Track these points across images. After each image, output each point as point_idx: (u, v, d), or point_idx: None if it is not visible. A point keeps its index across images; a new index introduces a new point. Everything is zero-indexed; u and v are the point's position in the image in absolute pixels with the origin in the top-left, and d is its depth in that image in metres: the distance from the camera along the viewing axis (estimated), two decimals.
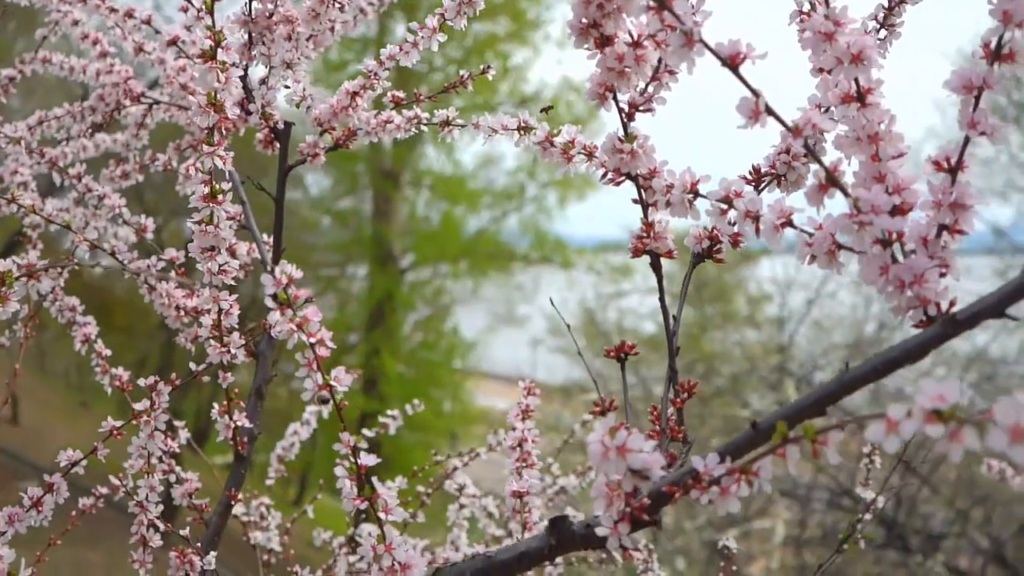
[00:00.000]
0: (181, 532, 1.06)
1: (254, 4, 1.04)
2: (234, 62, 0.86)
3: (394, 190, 11.01)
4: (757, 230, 0.69)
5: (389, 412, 1.55)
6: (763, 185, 0.80)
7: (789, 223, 0.67)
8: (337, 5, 1.05)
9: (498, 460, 1.36)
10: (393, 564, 0.74)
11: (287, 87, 1.07)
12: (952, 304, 0.60)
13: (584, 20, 0.69)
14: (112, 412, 1.18)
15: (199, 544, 1.06)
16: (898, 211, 0.63)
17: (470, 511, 1.50)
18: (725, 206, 0.71)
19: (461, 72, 1.21)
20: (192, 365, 1.06)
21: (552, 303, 0.93)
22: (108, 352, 1.22)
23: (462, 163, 11.38)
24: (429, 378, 10.73)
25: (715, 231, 0.77)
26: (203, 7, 0.88)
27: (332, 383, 0.73)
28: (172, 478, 1.12)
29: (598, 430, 0.61)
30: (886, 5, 0.83)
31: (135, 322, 10.14)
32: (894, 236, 0.61)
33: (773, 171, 0.80)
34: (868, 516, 1.21)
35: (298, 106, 1.08)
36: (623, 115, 0.73)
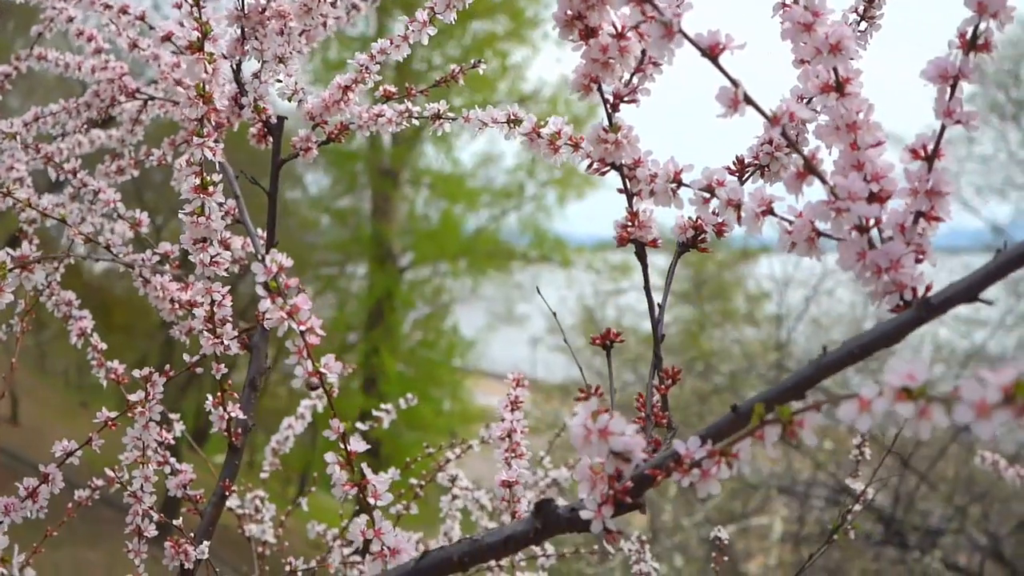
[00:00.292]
0: (175, 522, 1.07)
1: None
2: (222, 53, 0.87)
3: (393, 189, 11.02)
4: (738, 218, 0.70)
5: (383, 406, 1.56)
6: (747, 176, 0.82)
7: (770, 211, 0.68)
8: (328, 0, 1.06)
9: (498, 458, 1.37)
10: (382, 549, 0.76)
11: (279, 81, 1.08)
12: (928, 289, 0.62)
13: (569, 12, 0.70)
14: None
15: (193, 534, 1.07)
16: (876, 198, 0.64)
17: (463, 503, 1.51)
18: (708, 195, 0.72)
19: (452, 66, 1.22)
20: (186, 356, 1.07)
21: (538, 291, 0.94)
22: (104, 346, 1.23)
23: (461, 162, 11.40)
24: (429, 377, 10.74)
25: (699, 221, 0.78)
26: (194, 0, 0.89)
27: (322, 370, 0.74)
28: (167, 470, 1.13)
29: (581, 413, 0.62)
30: None
31: (134, 321, 10.15)
32: (871, 222, 0.62)
33: (756, 162, 0.81)
34: (858, 507, 1.22)
35: (290, 99, 1.09)
36: (608, 106, 0.75)
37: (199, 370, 1.08)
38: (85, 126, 1.39)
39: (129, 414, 1.08)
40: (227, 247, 1.00)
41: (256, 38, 1.06)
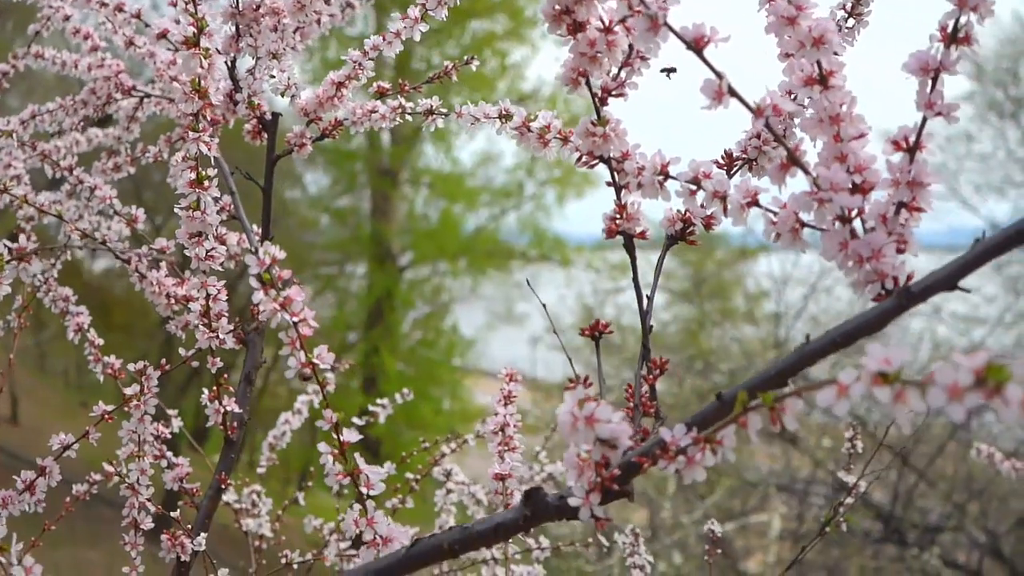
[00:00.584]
0: (172, 514, 1.08)
1: None
2: (218, 49, 0.88)
3: (392, 188, 11.04)
4: (725, 209, 0.71)
5: (379, 401, 1.57)
6: (735, 169, 0.82)
7: (755, 203, 0.69)
8: None
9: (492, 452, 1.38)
10: (375, 538, 0.77)
11: (273, 77, 1.09)
12: (909, 278, 0.63)
13: (557, 7, 0.71)
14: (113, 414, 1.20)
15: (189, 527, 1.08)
16: (859, 189, 0.65)
17: (458, 497, 1.52)
18: (694, 187, 0.73)
19: (447, 67, 1.23)
20: (182, 351, 1.08)
21: (528, 282, 0.95)
22: (101, 341, 1.24)
23: (460, 161, 11.42)
24: (428, 376, 10.75)
25: (687, 213, 0.79)
26: None
27: (315, 361, 0.75)
28: (163, 464, 1.14)
29: (568, 401, 0.63)
30: None
31: (134, 321, 10.17)
32: (853, 213, 0.63)
33: (745, 155, 0.82)
34: (851, 500, 1.23)
35: (283, 95, 1.10)
36: (596, 99, 0.75)
37: (195, 364, 1.09)
38: (82, 124, 1.40)
39: (125, 408, 1.09)
40: (223, 242, 1.01)
41: (251, 35, 1.07)
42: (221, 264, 1.01)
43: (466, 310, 11.81)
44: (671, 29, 0.63)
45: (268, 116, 1.14)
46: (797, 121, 0.74)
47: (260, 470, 1.62)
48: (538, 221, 11.28)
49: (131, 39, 1.28)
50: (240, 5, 1.07)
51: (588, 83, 0.75)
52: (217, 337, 1.03)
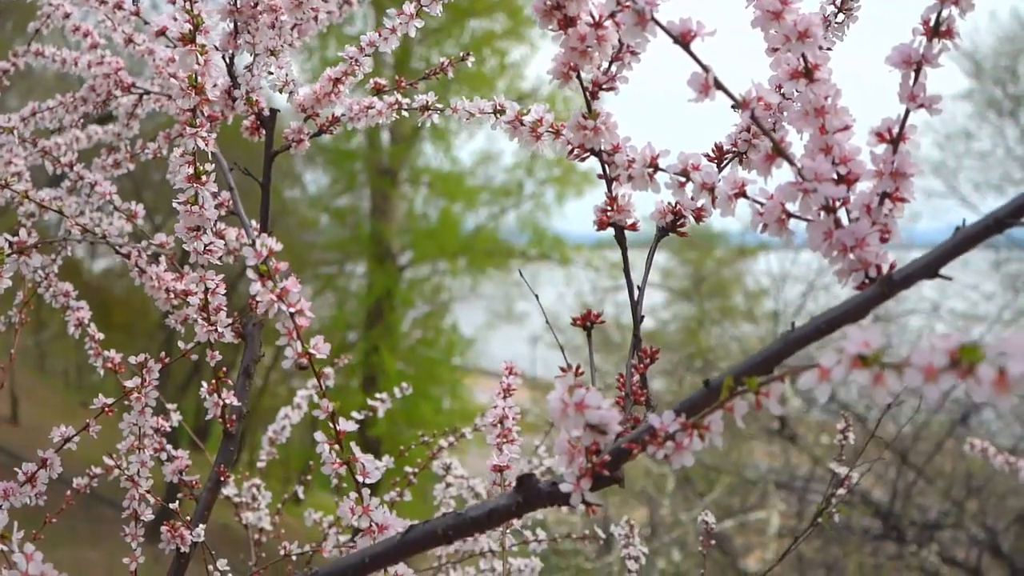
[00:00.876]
0: (171, 505, 1.09)
1: None
2: (215, 46, 0.89)
3: (392, 187, 11.05)
4: (713, 201, 0.72)
5: (378, 395, 1.58)
6: (725, 162, 0.84)
7: (742, 194, 0.71)
8: None
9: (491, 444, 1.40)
10: (371, 525, 0.78)
11: (270, 73, 1.10)
12: (892, 267, 0.64)
13: (548, 2, 0.72)
14: (112, 413, 1.22)
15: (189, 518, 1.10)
16: (844, 181, 0.66)
17: (457, 491, 1.54)
18: (683, 179, 0.74)
19: (442, 64, 1.24)
20: (181, 343, 1.09)
21: (520, 273, 0.96)
22: (101, 336, 1.25)
23: (460, 160, 11.43)
24: (428, 375, 10.76)
25: (678, 206, 0.81)
26: None
27: (311, 351, 0.77)
28: (163, 457, 1.15)
29: (558, 388, 0.64)
30: None
31: (134, 321, 10.19)
32: (837, 203, 0.64)
33: (735, 148, 0.83)
34: (843, 491, 1.25)
35: (281, 91, 1.12)
36: (587, 93, 0.77)
37: (195, 357, 1.11)
38: (82, 121, 1.42)
39: (125, 402, 1.10)
40: (221, 237, 1.03)
41: (248, 32, 1.08)
42: (220, 259, 1.03)
43: (466, 309, 11.82)
44: (658, 23, 0.64)
45: (266, 112, 1.15)
46: (786, 115, 0.76)
47: (260, 464, 1.64)
48: (537, 220, 11.30)
49: (130, 36, 1.29)
50: (238, 2, 1.09)
51: (579, 77, 0.76)
52: (216, 330, 1.04)
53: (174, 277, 1.16)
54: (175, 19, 1.07)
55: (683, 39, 0.64)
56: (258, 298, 0.76)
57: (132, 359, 1.06)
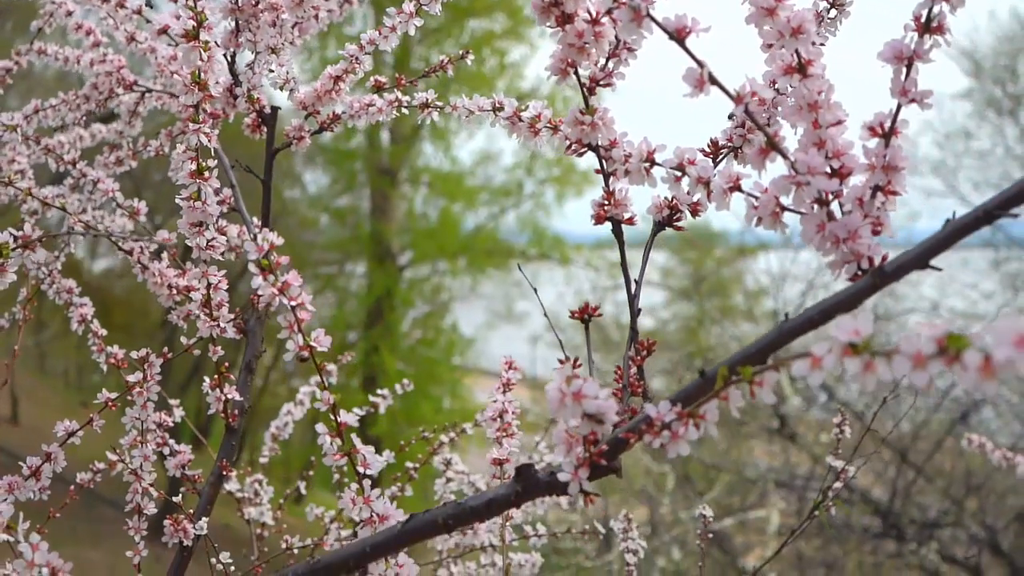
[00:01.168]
0: (174, 499, 1.10)
1: None
2: (217, 43, 0.91)
3: (392, 187, 11.06)
4: (708, 195, 0.74)
5: (379, 391, 1.59)
6: (721, 157, 0.85)
7: (737, 187, 0.72)
8: None
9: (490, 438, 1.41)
10: (372, 516, 0.79)
11: (272, 71, 1.11)
12: (884, 259, 0.65)
13: None
14: (113, 413, 1.23)
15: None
16: (836, 174, 0.67)
17: (457, 486, 1.55)
18: (679, 173, 0.75)
19: (442, 61, 1.25)
20: (184, 339, 1.11)
21: (520, 268, 0.97)
22: (104, 332, 1.26)
23: (460, 160, 11.45)
24: (428, 375, 10.78)
25: (674, 200, 0.82)
26: None
27: (312, 344, 0.78)
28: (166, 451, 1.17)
29: (556, 378, 0.65)
30: None
31: (134, 321, 10.21)
32: (830, 196, 0.66)
33: (730, 144, 0.84)
34: (838, 485, 1.26)
35: (282, 89, 1.13)
36: (584, 89, 0.78)
37: (196, 352, 1.12)
38: (85, 119, 1.43)
39: (128, 397, 1.11)
40: (223, 233, 1.04)
41: (250, 30, 1.09)
42: (222, 254, 1.04)
43: (466, 309, 11.83)
44: (653, 20, 0.65)
45: (267, 110, 1.17)
46: (780, 110, 0.77)
47: (263, 459, 1.65)
48: (537, 220, 11.31)
49: (133, 35, 1.30)
50: (239, 1, 1.10)
51: (577, 73, 0.77)
52: (218, 326, 1.05)
53: (176, 273, 1.17)
54: (177, 18, 1.08)
55: (678, 35, 0.65)
56: (260, 291, 0.77)
57: (135, 353, 1.07)
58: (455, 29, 10.50)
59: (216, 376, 1.12)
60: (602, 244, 11.07)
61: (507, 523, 1.18)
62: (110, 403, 1.09)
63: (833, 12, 0.87)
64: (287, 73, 1.12)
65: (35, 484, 1.08)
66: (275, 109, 1.17)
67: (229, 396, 1.13)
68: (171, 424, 1.18)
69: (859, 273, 0.65)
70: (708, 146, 0.85)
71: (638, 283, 0.81)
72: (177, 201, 0.97)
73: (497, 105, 0.98)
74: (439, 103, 1.12)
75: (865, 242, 0.65)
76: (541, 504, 1.65)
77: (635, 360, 0.78)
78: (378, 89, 1.17)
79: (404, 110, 1.15)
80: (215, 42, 0.92)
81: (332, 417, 0.80)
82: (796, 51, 0.68)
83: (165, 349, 1.09)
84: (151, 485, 1.10)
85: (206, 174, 0.95)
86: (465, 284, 11.76)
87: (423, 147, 11.30)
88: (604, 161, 0.80)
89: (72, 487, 1.29)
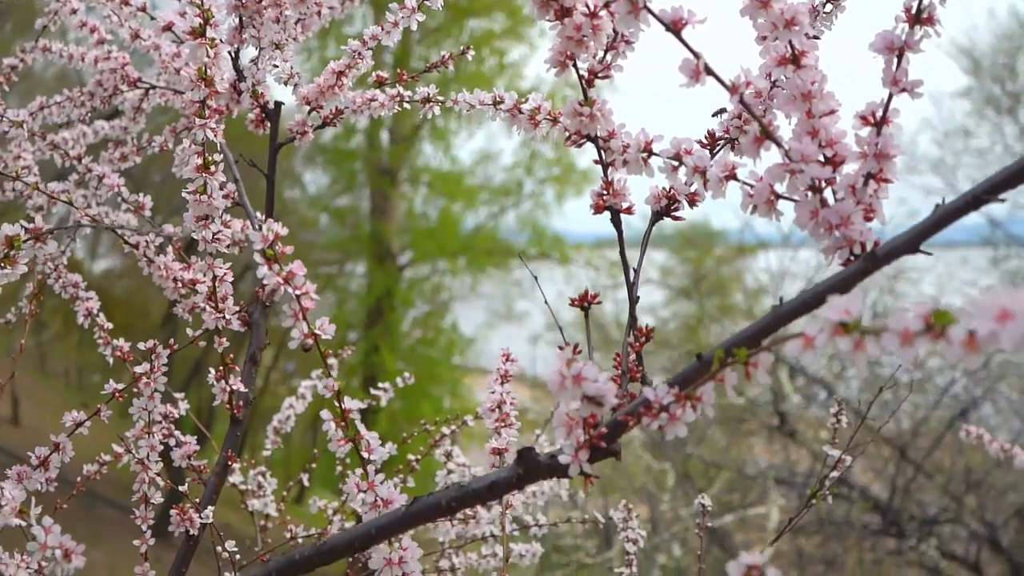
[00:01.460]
0: (180, 488, 1.12)
1: None
2: (222, 39, 0.92)
3: (392, 187, 11.08)
4: (705, 184, 0.75)
5: (381, 384, 1.61)
6: (718, 148, 0.86)
7: (733, 176, 0.73)
8: None
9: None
10: (376, 500, 0.81)
11: (275, 66, 1.13)
12: (876, 244, 0.67)
13: None
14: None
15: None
16: (830, 162, 0.69)
17: (459, 477, 1.57)
18: (676, 163, 0.77)
19: (443, 57, 1.27)
20: (189, 331, 1.12)
21: (521, 257, 0.99)
22: (110, 325, 1.28)
23: (459, 159, 11.47)
24: (429, 375, 10.79)
25: (672, 190, 0.83)
26: None
27: (317, 331, 0.79)
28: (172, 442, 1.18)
29: (556, 361, 0.67)
30: None
31: (134, 321, 10.22)
32: (823, 183, 0.67)
33: (727, 135, 0.86)
34: (835, 473, 1.27)
35: (286, 84, 1.14)
36: (583, 81, 0.80)
37: (202, 344, 1.14)
38: (89, 116, 1.45)
39: (135, 388, 1.13)
40: (227, 227, 1.06)
41: (253, 26, 1.11)
42: (227, 247, 1.06)
43: (466, 308, 11.85)
44: (651, 12, 0.67)
45: (271, 105, 1.18)
46: (776, 102, 0.79)
47: (266, 452, 1.67)
48: (537, 219, 11.33)
49: (136, 32, 1.32)
50: None
51: (575, 66, 0.79)
52: (223, 317, 1.07)
53: (182, 267, 1.19)
54: (182, 15, 1.10)
55: (674, 26, 0.67)
56: (265, 281, 0.78)
57: (142, 345, 1.09)
58: (454, 29, 10.52)
59: (221, 367, 1.14)
60: (602, 243, 11.10)
61: (507, 510, 1.20)
62: (117, 394, 1.10)
63: (828, 6, 0.88)
64: (291, 68, 1.14)
65: (43, 475, 1.10)
66: (279, 104, 1.19)
67: (234, 387, 1.15)
68: (177, 416, 1.20)
69: (851, 258, 0.67)
70: (705, 138, 0.87)
71: (636, 271, 0.83)
72: (184, 195, 0.99)
73: (497, 99, 0.99)
74: (440, 97, 1.14)
75: (857, 228, 0.66)
76: (541, 496, 1.67)
77: (634, 346, 0.80)
78: (380, 84, 1.19)
79: (406, 104, 1.16)
80: (219, 39, 0.93)
81: (336, 404, 0.82)
82: (790, 42, 0.70)
83: (172, 341, 1.11)
84: (157, 474, 1.12)
85: (212, 168, 0.96)
86: (465, 284, 11.78)
87: (423, 147, 11.33)
88: (603, 152, 0.81)
89: (79, 479, 1.31)
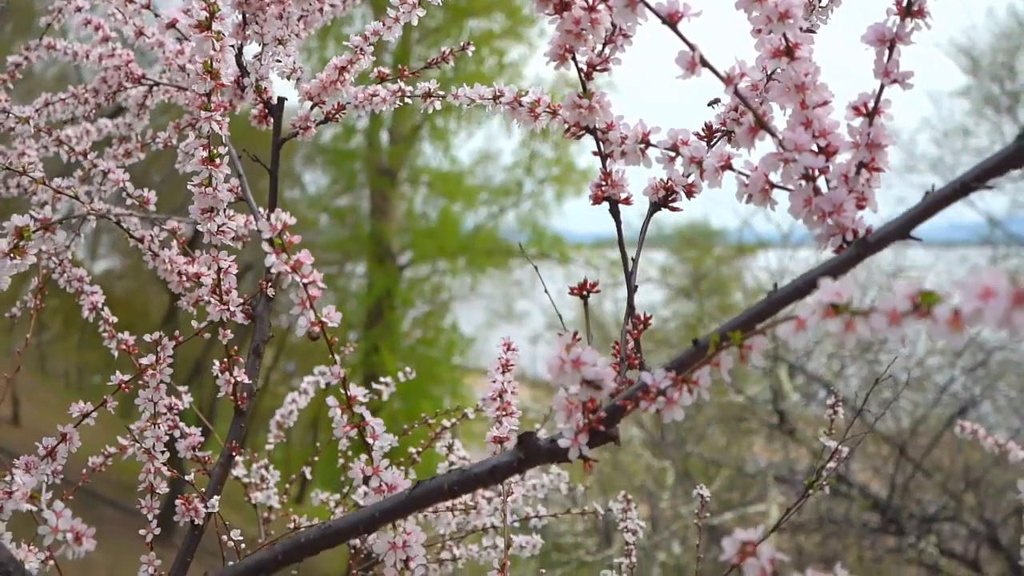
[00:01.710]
0: (186, 478, 1.13)
1: None
2: (228, 32, 0.94)
3: (391, 187, 11.10)
4: (702, 174, 0.77)
5: (382, 379, 1.62)
6: (715, 140, 0.88)
7: (728, 166, 0.75)
8: None
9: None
10: (380, 485, 0.82)
11: (279, 62, 1.15)
12: (868, 231, 0.68)
13: None
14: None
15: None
16: (823, 152, 0.71)
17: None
18: (673, 154, 0.78)
19: (444, 53, 1.28)
20: (194, 323, 1.14)
21: (521, 249, 1.00)
22: (115, 319, 1.29)
23: (459, 160, 11.49)
24: (429, 375, 10.81)
25: (669, 181, 0.85)
26: None
27: (323, 319, 0.81)
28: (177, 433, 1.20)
29: (556, 346, 0.68)
30: None
31: (135, 322, 10.23)
32: (816, 172, 0.69)
33: (724, 127, 0.87)
34: (832, 464, 1.29)
35: (288, 78, 1.16)
36: (582, 74, 0.81)
37: (205, 337, 1.15)
38: (93, 113, 1.46)
39: (140, 380, 1.14)
40: (231, 220, 1.07)
41: (257, 23, 1.13)
42: (231, 240, 1.07)
43: (466, 308, 11.87)
44: (647, 5, 0.68)
45: (274, 101, 1.20)
46: (771, 94, 0.80)
47: (268, 446, 1.68)
48: (537, 219, 11.35)
49: (140, 29, 1.33)
50: None
51: (574, 59, 0.80)
52: (228, 309, 1.09)
53: (186, 260, 1.20)
54: (187, 12, 1.12)
55: (671, 19, 0.69)
56: (273, 269, 0.80)
57: (148, 337, 1.10)
58: (454, 29, 10.54)
59: (225, 359, 1.15)
60: (601, 243, 11.11)
61: (507, 498, 1.22)
62: (123, 385, 1.12)
63: (824, 1, 0.90)
64: (294, 63, 1.15)
65: (50, 465, 1.11)
66: (281, 100, 1.21)
67: (238, 379, 1.16)
68: (182, 408, 1.22)
69: (844, 245, 0.69)
70: (702, 130, 0.88)
71: (635, 260, 0.85)
72: (189, 188, 1.00)
73: (498, 93, 1.01)
74: (441, 92, 1.15)
75: (849, 215, 0.68)
76: (541, 490, 1.69)
77: (632, 334, 0.82)
78: (381, 80, 1.20)
79: (407, 100, 1.18)
80: (225, 34, 0.95)
81: (342, 390, 0.83)
82: (784, 35, 0.72)
83: (177, 332, 1.13)
84: (164, 464, 1.13)
85: (217, 161, 0.98)
86: (465, 284, 11.80)
87: (423, 147, 11.35)
88: (601, 143, 0.83)
89: (84, 471, 1.32)
